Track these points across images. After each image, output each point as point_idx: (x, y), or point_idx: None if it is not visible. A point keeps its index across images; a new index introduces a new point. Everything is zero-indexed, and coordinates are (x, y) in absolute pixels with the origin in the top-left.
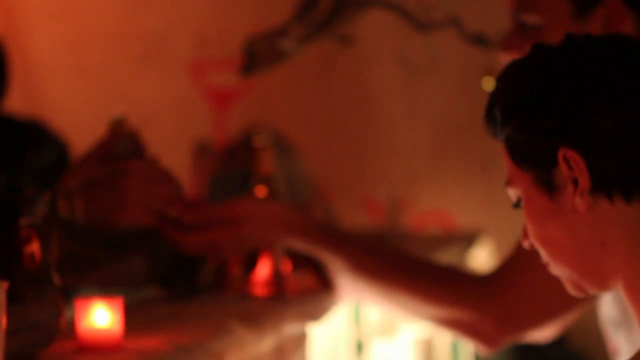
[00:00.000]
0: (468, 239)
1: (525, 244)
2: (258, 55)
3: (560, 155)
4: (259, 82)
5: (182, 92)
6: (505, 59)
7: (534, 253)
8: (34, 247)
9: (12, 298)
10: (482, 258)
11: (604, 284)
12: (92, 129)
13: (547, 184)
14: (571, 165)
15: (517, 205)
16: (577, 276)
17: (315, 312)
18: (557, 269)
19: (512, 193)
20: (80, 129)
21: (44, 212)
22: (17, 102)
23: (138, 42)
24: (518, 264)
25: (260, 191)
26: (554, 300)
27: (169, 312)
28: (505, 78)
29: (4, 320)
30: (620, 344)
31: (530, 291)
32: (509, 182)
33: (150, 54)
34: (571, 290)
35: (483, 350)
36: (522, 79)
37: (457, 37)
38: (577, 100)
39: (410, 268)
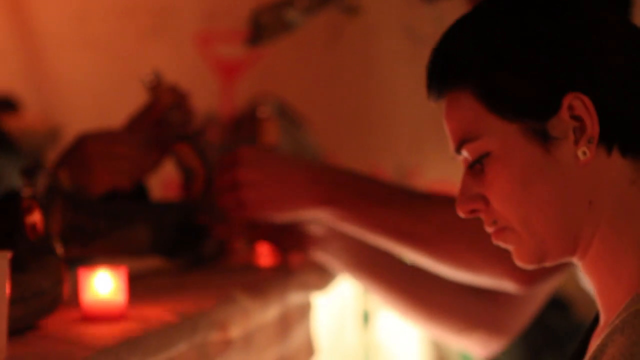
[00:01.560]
0: None
1: (464, 211)
2: (264, 26)
3: (567, 101)
4: (266, 53)
5: (189, 64)
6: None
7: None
8: (36, 218)
9: (15, 267)
10: None
11: (571, 251)
12: (99, 101)
13: (541, 134)
14: (576, 112)
15: (475, 163)
16: (548, 241)
17: (320, 282)
18: (521, 235)
19: (475, 150)
20: (87, 101)
21: (45, 183)
22: (23, 75)
23: (145, 14)
24: None
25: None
26: (538, 298)
27: (173, 282)
28: (487, 9)
29: (8, 289)
30: None
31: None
32: (472, 138)
33: (157, 25)
34: (529, 259)
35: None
36: (515, 12)
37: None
38: (585, 37)
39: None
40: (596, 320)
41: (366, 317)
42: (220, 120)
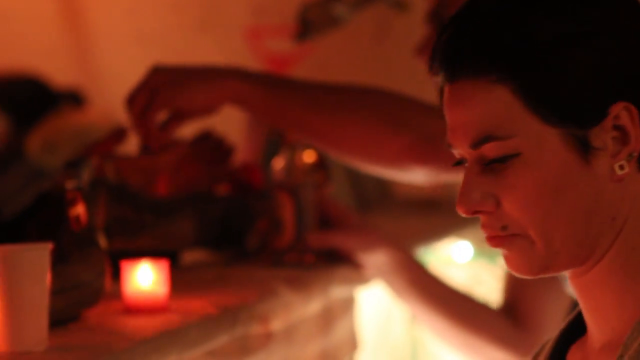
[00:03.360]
0: None
1: (467, 210)
2: (312, 21)
3: (616, 110)
4: (315, 48)
5: (239, 59)
6: (421, 60)
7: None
8: (80, 210)
9: (58, 259)
10: None
11: (581, 263)
12: None
13: (581, 142)
14: (621, 122)
15: (495, 162)
16: (562, 253)
17: (363, 277)
18: (539, 244)
19: (501, 148)
20: None
21: (90, 175)
22: (73, 71)
23: (194, 9)
24: (530, 286)
25: (310, 156)
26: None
27: (216, 275)
28: (518, 13)
29: (49, 280)
30: None
31: (547, 314)
32: (503, 136)
33: (207, 20)
34: (532, 269)
35: None
36: (571, 2)
37: None
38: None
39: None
40: (566, 334)
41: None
42: None
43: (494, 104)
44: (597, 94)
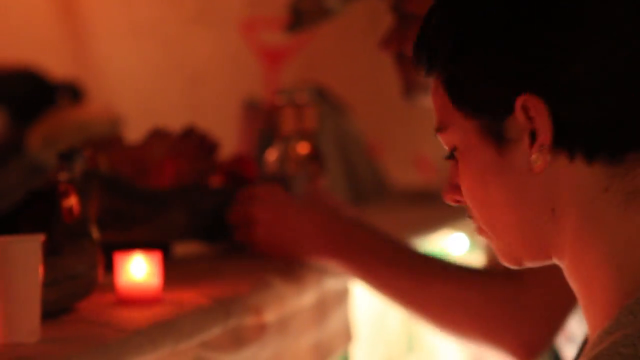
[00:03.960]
0: None
1: (448, 200)
2: (304, 12)
3: (519, 102)
4: (310, 40)
5: (233, 50)
6: (384, 52)
7: None
8: (72, 201)
9: (50, 250)
10: None
11: (544, 256)
12: (144, 87)
13: (496, 135)
14: (530, 114)
15: (450, 156)
16: (515, 245)
17: None
18: (491, 235)
19: (446, 141)
20: (131, 87)
21: (83, 167)
22: (68, 61)
23: (190, 1)
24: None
25: (303, 148)
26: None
27: (209, 267)
28: (449, 6)
29: (41, 272)
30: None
31: (555, 288)
32: (442, 128)
33: (202, 12)
34: (505, 260)
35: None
36: (480, 4)
37: None
38: (546, 38)
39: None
40: None
41: None
42: (262, 106)
43: (436, 98)
44: (501, 85)
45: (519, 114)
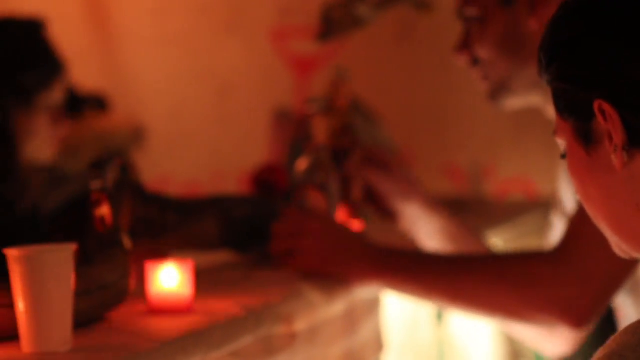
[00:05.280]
0: (550, 206)
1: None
2: (335, 21)
3: (596, 106)
4: (341, 49)
5: (264, 60)
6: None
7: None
8: (105, 211)
9: (82, 260)
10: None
11: None
12: (174, 97)
13: (585, 136)
14: (606, 117)
15: (563, 156)
16: (616, 237)
17: None
18: (600, 228)
19: (560, 143)
20: (161, 97)
21: (115, 176)
22: (97, 72)
23: (220, 10)
24: (584, 235)
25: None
26: (617, 272)
27: (241, 276)
28: (554, 19)
29: (73, 281)
30: (628, 310)
31: (600, 263)
32: (555, 131)
33: (232, 21)
34: (617, 251)
35: (568, 339)
36: (564, 22)
37: None
38: (610, 48)
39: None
40: None
41: (440, 314)
42: (293, 116)
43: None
44: (580, 94)
45: (599, 117)
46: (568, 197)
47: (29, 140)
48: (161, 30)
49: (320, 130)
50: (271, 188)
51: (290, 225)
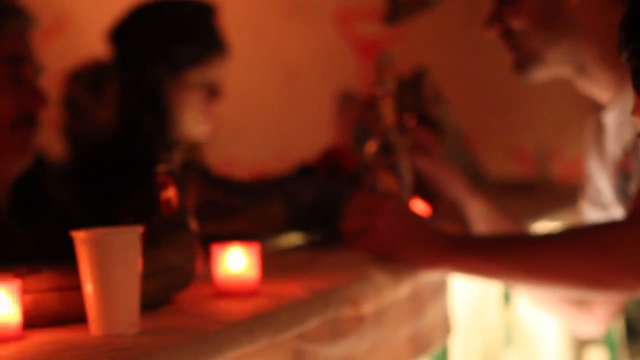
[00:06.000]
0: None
1: None
2: (401, 4)
3: None
4: (405, 31)
5: (329, 43)
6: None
7: None
8: (171, 194)
9: (149, 242)
10: None
11: None
12: (239, 81)
13: None
14: None
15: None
16: None
17: None
18: None
19: (637, 122)
20: (229, 81)
21: (182, 159)
22: None
23: None
24: None
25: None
26: None
27: (308, 259)
28: None
29: (140, 264)
30: None
31: None
32: (634, 110)
33: (297, 5)
34: None
35: None
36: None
37: None
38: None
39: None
40: None
41: (507, 297)
42: (358, 98)
43: None
44: None
45: None
46: (604, 186)
47: (181, 113)
48: (225, 15)
49: (389, 112)
50: (337, 170)
51: (364, 204)
